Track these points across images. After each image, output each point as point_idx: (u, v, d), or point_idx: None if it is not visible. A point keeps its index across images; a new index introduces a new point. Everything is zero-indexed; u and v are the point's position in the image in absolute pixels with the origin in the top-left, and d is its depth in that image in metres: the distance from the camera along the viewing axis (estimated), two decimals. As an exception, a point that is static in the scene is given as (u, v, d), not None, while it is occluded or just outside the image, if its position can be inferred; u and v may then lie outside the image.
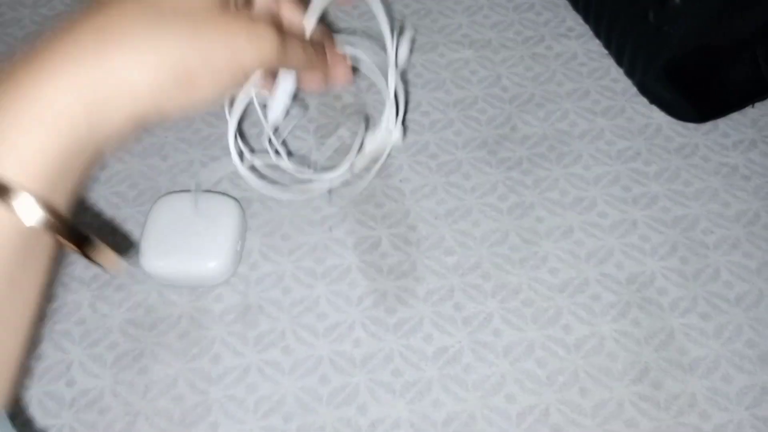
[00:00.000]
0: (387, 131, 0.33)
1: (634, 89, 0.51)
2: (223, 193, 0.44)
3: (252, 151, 0.32)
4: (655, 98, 0.50)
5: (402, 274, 0.43)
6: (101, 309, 0.42)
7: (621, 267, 0.43)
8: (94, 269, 0.43)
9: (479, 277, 0.43)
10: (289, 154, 0.46)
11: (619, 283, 0.43)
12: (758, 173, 0.47)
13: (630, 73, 0.51)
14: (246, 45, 0.23)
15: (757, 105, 0.50)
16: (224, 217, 0.41)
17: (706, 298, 0.42)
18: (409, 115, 0.50)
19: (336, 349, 0.40)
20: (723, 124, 0.50)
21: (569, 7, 0.55)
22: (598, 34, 0.53)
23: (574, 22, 0.55)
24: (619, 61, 0.51)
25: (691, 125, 0.49)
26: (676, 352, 0.40)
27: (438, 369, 0.39)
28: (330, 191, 0.46)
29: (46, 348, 0.40)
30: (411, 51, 0.46)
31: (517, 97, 0.51)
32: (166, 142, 0.48)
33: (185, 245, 0.40)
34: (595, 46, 0.53)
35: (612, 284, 0.43)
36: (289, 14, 0.27)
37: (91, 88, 0.20)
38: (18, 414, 0.37)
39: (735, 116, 0.50)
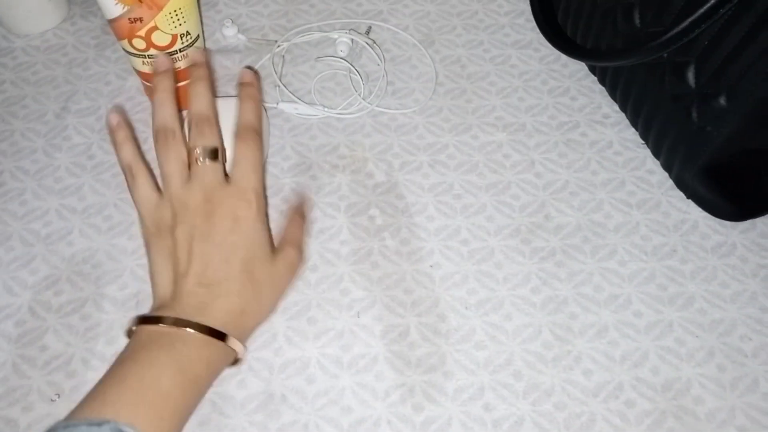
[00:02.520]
0: None
1: (670, 182, 0.50)
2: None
3: None
4: (692, 194, 0.49)
5: (431, 368, 0.42)
6: (120, 389, 0.40)
7: (656, 372, 0.42)
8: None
9: (510, 376, 0.41)
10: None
11: (654, 389, 0.41)
12: (797, 277, 0.46)
13: (667, 167, 0.50)
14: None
15: (795, 204, 0.50)
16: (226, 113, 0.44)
17: (744, 411, 0.41)
18: (441, 197, 0.49)
19: (360, 447, 0.38)
20: (761, 223, 0.49)
21: (605, 94, 0.55)
22: (635, 123, 0.52)
23: (610, 109, 0.54)
24: (656, 154, 0.51)
25: (728, 223, 0.48)
26: (714, 470, 0.39)
27: (465, 475, 0.38)
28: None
29: None
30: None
31: (550, 184, 0.50)
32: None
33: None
34: (631, 135, 0.53)
35: (647, 390, 0.41)
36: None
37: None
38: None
39: (773, 215, 0.49)
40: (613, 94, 0.54)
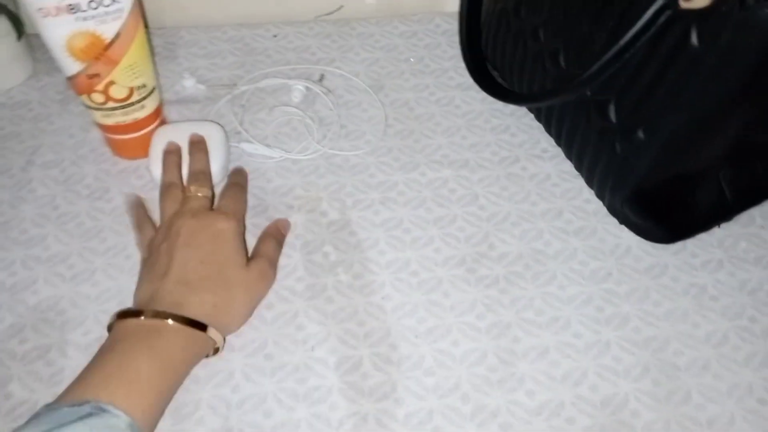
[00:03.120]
0: None
1: (604, 210, 0.54)
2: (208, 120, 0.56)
3: None
4: (624, 220, 0.52)
5: (383, 396, 0.44)
6: None
7: (596, 389, 0.45)
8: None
9: (458, 400, 0.44)
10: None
11: (594, 405, 0.44)
12: (726, 294, 0.50)
13: (600, 196, 0.54)
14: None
15: (723, 225, 0.53)
16: (211, 133, 0.53)
17: (678, 421, 0.43)
18: (391, 232, 0.52)
19: (316, 475, 0.40)
20: (691, 244, 0.52)
21: (543, 130, 0.59)
22: (569, 156, 0.56)
23: (548, 144, 0.58)
24: (590, 184, 0.54)
25: (660, 245, 0.52)
26: (650, 479, 0.41)
27: (416, 496, 0.40)
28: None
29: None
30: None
31: (494, 216, 0.53)
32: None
33: (184, 157, 0.52)
34: (568, 167, 0.56)
35: (587, 407, 0.44)
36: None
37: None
38: None
39: (702, 236, 0.53)
40: (548, 129, 0.57)
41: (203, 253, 0.44)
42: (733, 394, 0.45)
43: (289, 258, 0.50)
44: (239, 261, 0.45)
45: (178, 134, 0.53)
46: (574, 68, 0.49)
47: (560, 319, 0.48)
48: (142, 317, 0.41)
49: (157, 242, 0.46)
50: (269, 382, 0.44)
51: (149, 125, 0.54)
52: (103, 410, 0.35)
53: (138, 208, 0.51)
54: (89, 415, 0.35)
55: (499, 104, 0.61)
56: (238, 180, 0.52)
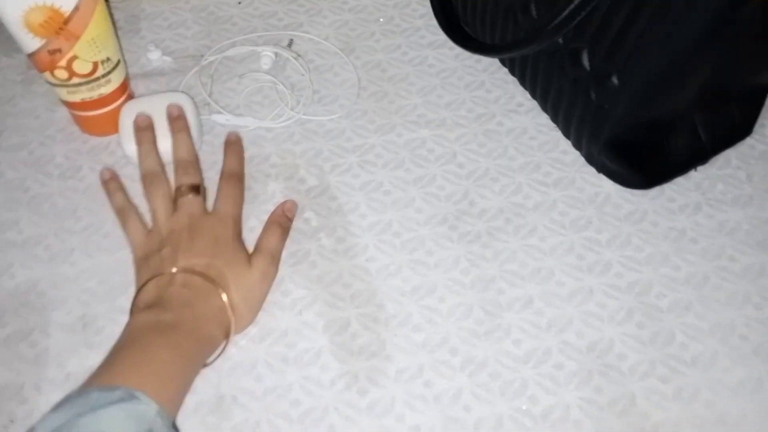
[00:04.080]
0: None
1: (582, 160, 0.54)
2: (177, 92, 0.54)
3: None
4: (602, 168, 0.53)
5: (372, 354, 0.44)
6: (73, 409, 0.41)
7: (581, 335, 0.45)
8: (65, 369, 0.43)
9: (447, 353, 0.44)
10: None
11: (580, 351, 0.44)
12: (704, 236, 0.50)
13: (577, 145, 0.54)
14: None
15: (700, 168, 0.54)
16: (183, 107, 0.52)
17: (663, 361, 0.44)
18: (372, 195, 0.52)
19: (310, 436, 0.41)
20: (669, 189, 0.53)
21: (517, 84, 0.58)
22: (545, 109, 0.56)
23: (523, 97, 0.58)
24: (566, 134, 0.54)
25: (638, 192, 0.52)
26: (638, 417, 0.42)
27: (411, 450, 0.40)
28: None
29: (18, 454, 0.40)
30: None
31: (473, 173, 0.53)
32: (135, 235, 0.49)
33: (157, 131, 0.51)
34: (544, 119, 0.56)
35: (573, 353, 0.44)
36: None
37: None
38: None
39: (680, 180, 0.53)
40: (523, 83, 0.57)
41: (206, 259, 0.43)
42: (716, 333, 0.46)
43: (270, 226, 0.50)
44: (241, 262, 0.44)
45: (147, 108, 0.52)
46: (546, 18, 0.48)
47: (543, 269, 0.48)
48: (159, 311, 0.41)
49: (154, 246, 0.45)
50: (259, 348, 0.44)
51: (117, 100, 0.53)
52: (134, 397, 0.35)
53: (116, 195, 0.49)
54: (121, 400, 0.35)
55: (473, 61, 0.60)
56: (233, 168, 0.50)
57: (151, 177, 0.48)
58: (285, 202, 0.50)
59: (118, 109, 0.52)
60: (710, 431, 0.41)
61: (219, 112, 0.56)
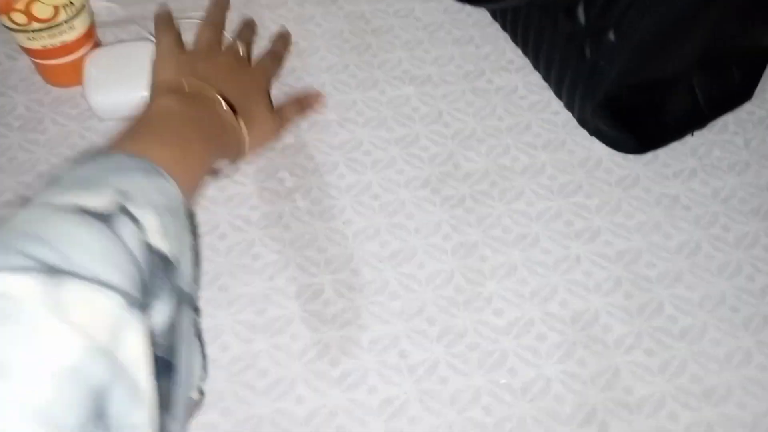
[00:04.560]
0: None
1: (574, 121, 0.51)
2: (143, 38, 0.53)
3: None
4: (594, 131, 0.50)
5: (346, 323, 0.42)
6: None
7: (565, 305, 0.43)
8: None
9: (424, 322, 0.42)
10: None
11: (563, 322, 0.42)
12: (699, 203, 0.48)
13: (569, 106, 0.51)
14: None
15: (696, 134, 0.51)
16: (149, 54, 0.47)
17: (650, 334, 0.42)
18: (351, 154, 0.49)
19: (278, 407, 0.39)
20: (663, 154, 0.50)
21: (509, 40, 0.55)
22: (537, 67, 0.53)
23: (514, 54, 0.55)
24: (558, 94, 0.51)
25: (631, 156, 0.50)
26: (622, 392, 0.40)
27: (384, 422, 0.38)
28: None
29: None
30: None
31: (458, 133, 0.50)
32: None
33: (123, 82, 0.48)
34: (536, 78, 0.53)
35: (557, 324, 0.42)
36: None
37: None
38: None
39: (675, 146, 0.51)
40: (514, 39, 0.54)
41: (239, 87, 0.44)
42: (705, 305, 0.44)
43: (243, 186, 0.47)
44: (268, 106, 0.47)
45: (115, 58, 0.49)
46: None
47: (528, 235, 0.46)
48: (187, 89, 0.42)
49: (195, 55, 0.46)
50: (225, 314, 0.42)
51: (80, 48, 0.49)
52: (161, 175, 0.33)
53: (164, 13, 0.50)
54: (149, 171, 0.33)
55: (463, 14, 0.57)
56: (278, 48, 0.53)
57: (207, 19, 0.50)
58: (313, 92, 0.52)
59: (82, 59, 0.49)
60: (695, 406, 0.40)
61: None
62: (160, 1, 0.54)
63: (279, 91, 0.52)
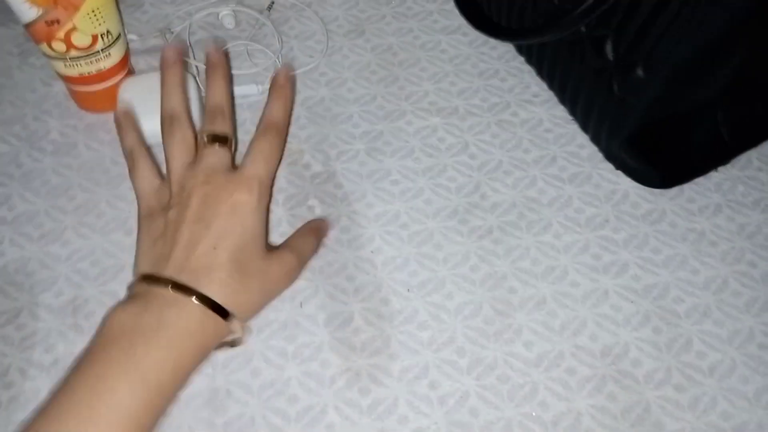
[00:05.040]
0: None
1: (600, 155, 0.52)
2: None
3: None
4: (620, 165, 0.50)
5: (375, 351, 0.42)
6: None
7: (595, 339, 0.43)
8: (52, 355, 0.41)
9: (454, 353, 0.42)
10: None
11: (593, 355, 0.42)
12: (724, 238, 0.48)
13: (595, 140, 0.51)
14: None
15: (721, 169, 0.52)
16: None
17: (679, 369, 0.42)
18: (379, 184, 0.50)
19: (308, 435, 0.39)
20: (688, 189, 0.50)
21: (534, 73, 0.56)
22: (562, 101, 0.53)
23: (539, 88, 0.55)
24: (585, 128, 0.52)
25: (657, 191, 0.50)
26: (652, 427, 0.40)
27: (414, 453, 0.38)
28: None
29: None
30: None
31: (485, 165, 0.51)
32: (130, 216, 0.47)
33: (156, 110, 0.43)
34: (560, 111, 0.54)
35: (587, 357, 0.42)
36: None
37: None
38: None
39: (700, 181, 0.51)
40: (540, 73, 0.55)
41: (215, 237, 0.36)
42: (734, 341, 0.44)
43: (272, 213, 0.48)
44: (258, 248, 0.38)
45: (148, 85, 0.50)
46: (570, 3, 0.46)
47: (557, 268, 0.46)
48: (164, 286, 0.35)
49: (162, 202, 0.39)
50: (256, 340, 0.42)
51: (116, 75, 0.50)
52: None
53: (128, 134, 0.43)
54: None
55: (487, 48, 0.58)
56: (273, 117, 0.41)
57: (171, 119, 0.40)
58: (323, 219, 0.46)
59: (117, 86, 0.50)
60: (728, 444, 0.39)
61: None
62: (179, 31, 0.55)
63: (310, 121, 0.53)
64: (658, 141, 0.49)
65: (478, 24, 0.54)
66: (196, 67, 0.54)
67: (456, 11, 0.60)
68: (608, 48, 0.45)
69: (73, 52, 0.47)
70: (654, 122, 0.47)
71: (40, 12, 0.44)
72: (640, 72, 0.44)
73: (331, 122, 0.53)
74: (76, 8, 0.45)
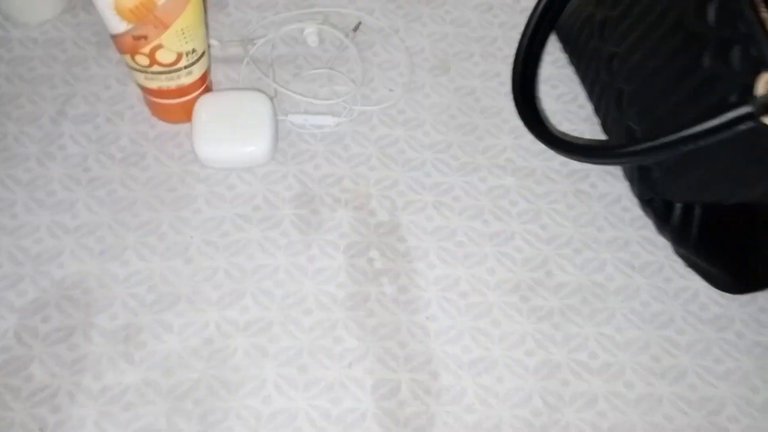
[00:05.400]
0: None
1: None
2: (255, 89, 0.50)
3: None
4: (690, 263, 0.48)
5: (419, 429, 0.42)
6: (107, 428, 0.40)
7: (642, 450, 0.42)
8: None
9: (497, 443, 0.42)
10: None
11: (638, 468, 0.42)
12: (791, 357, 0.46)
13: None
14: None
15: (798, 278, 0.49)
16: (259, 107, 0.48)
17: (724, 496, 0.41)
18: (443, 243, 0.48)
19: None
20: (762, 298, 0.48)
21: (619, 143, 0.54)
22: (645, 181, 0.51)
23: (622, 160, 0.53)
24: (663, 216, 0.50)
25: (728, 295, 0.48)
26: None
27: None
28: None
29: (43, 468, 0.39)
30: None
31: (555, 238, 0.49)
32: (192, 243, 0.47)
33: (231, 133, 0.48)
34: (641, 190, 0.52)
35: (631, 469, 0.41)
36: None
37: None
38: None
39: (775, 289, 0.49)
40: (627, 147, 0.52)
41: None
42: (784, 470, 0.42)
43: (332, 260, 0.47)
44: None
45: (223, 104, 0.49)
46: (631, 115, 0.44)
47: (613, 365, 0.45)
48: None
49: None
50: (301, 397, 0.42)
51: (194, 92, 0.49)
52: None
53: None
54: None
55: (575, 105, 0.55)
56: None
57: None
58: None
59: (193, 100, 0.49)
60: None
61: (298, 113, 0.52)
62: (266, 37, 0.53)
63: (381, 163, 0.51)
64: (726, 243, 0.47)
65: (541, 137, 0.50)
66: (275, 88, 0.53)
67: (548, 60, 0.57)
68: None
69: (156, 68, 0.46)
70: (718, 222, 0.45)
71: (130, 27, 0.43)
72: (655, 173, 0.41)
73: (403, 167, 0.51)
74: (166, 27, 0.44)
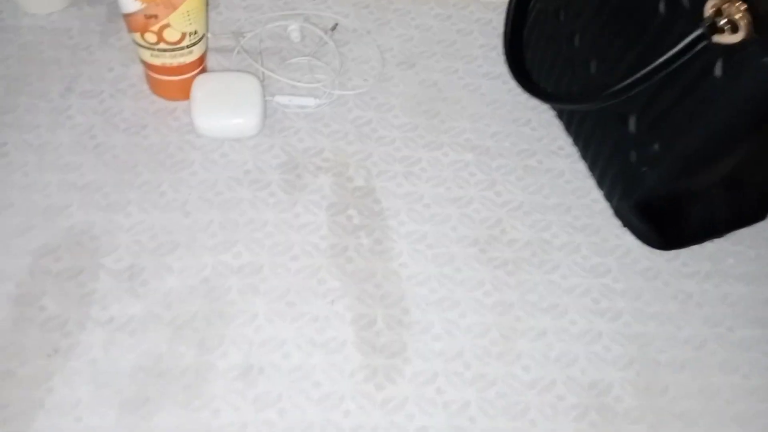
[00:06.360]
0: None
1: (610, 211, 0.58)
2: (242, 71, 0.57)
3: None
4: (627, 223, 0.56)
5: (393, 354, 0.47)
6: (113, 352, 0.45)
7: (585, 372, 0.49)
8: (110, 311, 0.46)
9: (461, 366, 0.48)
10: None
11: (581, 387, 0.48)
12: (709, 303, 0.54)
13: (608, 198, 0.57)
14: None
15: (715, 241, 0.58)
16: (250, 86, 0.55)
17: (654, 411, 0.48)
18: (412, 205, 0.55)
19: (327, 417, 0.44)
20: (684, 254, 0.56)
21: (562, 128, 0.62)
22: (584, 157, 0.59)
23: (564, 142, 0.61)
24: (600, 185, 0.58)
25: (656, 251, 0.56)
26: (624, 457, 0.46)
27: (417, 447, 0.44)
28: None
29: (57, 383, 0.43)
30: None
31: (508, 203, 0.57)
32: (189, 199, 0.52)
33: (224, 106, 0.54)
34: (581, 167, 0.60)
35: (575, 387, 0.48)
36: None
37: None
38: None
39: (695, 248, 0.57)
40: (568, 129, 0.61)
41: None
42: (705, 393, 0.49)
43: (315, 216, 0.53)
44: None
45: (217, 83, 0.55)
46: (603, 77, 0.52)
47: (559, 305, 0.52)
48: None
49: None
50: (290, 327, 0.47)
51: (192, 71, 0.56)
52: None
53: None
54: None
55: (523, 98, 0.64)
56: None
57: None
58: None
59: (190, 79, 0.55)
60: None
61: (280, 93, 0.59)
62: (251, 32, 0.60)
63: (357, 138, 0.58)
64: (662, 209, 0.55)
65: (526, 85, 0.59)
66: (263, 72, 0.60)
67: (499, 60, 0.66)
68: (631, 123, 0.51)
69: (162, 45, 0.52)
70: (662, 192, 0.53)
71: (142, 6, 0.50)
72: (656, 148, 0.50)
73: (376, 143, 0.58)
74: (174, 8, 0.50)
